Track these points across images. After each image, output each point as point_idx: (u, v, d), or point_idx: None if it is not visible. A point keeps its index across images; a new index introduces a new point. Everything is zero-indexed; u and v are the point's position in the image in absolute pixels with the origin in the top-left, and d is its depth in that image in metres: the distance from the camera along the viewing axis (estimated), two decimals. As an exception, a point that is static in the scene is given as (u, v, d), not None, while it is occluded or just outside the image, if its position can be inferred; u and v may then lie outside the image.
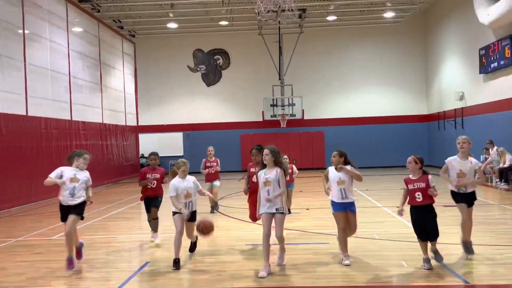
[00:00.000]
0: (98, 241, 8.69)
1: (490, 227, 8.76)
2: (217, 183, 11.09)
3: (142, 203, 8.40)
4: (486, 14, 16.56)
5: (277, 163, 6.24)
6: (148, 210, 8.14)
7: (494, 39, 17.32)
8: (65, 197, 6.64)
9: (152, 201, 8.04)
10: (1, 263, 7.14)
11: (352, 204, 6.35)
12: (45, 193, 14.84)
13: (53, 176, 6.82)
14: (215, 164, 11.10)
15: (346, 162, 6.37)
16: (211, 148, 11.35)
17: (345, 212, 6.32)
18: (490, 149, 16.19)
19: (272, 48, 24.54)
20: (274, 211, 6.07)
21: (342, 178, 6.30)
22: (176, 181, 6.62)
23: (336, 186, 6.35)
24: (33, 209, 13.32)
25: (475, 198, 6.56)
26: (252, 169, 7.43)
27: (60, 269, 6.45)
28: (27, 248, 8.21)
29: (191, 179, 6.71)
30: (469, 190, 6.42)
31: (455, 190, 6.44)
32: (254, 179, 7.19)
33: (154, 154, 8.25)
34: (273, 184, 6.08)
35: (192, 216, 6.78)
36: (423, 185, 5.91)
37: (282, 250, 6.35)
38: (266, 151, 6.28)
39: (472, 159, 6.45)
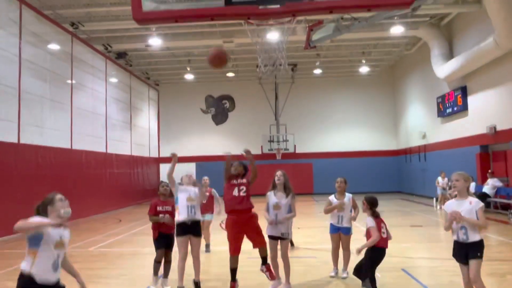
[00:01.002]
0: (125, 252, 8.82)
1: (449, 244, 8.88)
2: (208, 217, 8.34)
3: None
4: (441, 70, 16.98)
5: (286, 187, 5.61)
6: (159, 248, 5.84)
7: (448, 89, 17.72)
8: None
9: (166, 240, 5.85)
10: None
11: (346, 228, 6.07)
12: (83, 212, 15.01)
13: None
14: (207, 194, 8.39)
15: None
16: (205, 177, 8.83)
17: (338, 234, 6.10)
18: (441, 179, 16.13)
19: (270, 94, 25.05)
20: (279, 235, 5.48)
21: (344, 206, 6.03)
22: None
23: (336, 212, 6.08)
24: (72, 226, 13.45)
25: (479, 250, 4.19)
26: (233, 181, 5.52)
27: (97, 276, 6.58)
28: (70, 258, 8.29)
29: (194, 188, 5.83)
30: (470, 239, 4.19)
31: (454, 238, 4.34)
32: (234, 192, 5.42)
33: (165, 182, 6.21)
34: (283, 209, 5.47)
35: (194, 229, 5.56)
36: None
37: (287, 272, 5.54)
38: (279, 173, 5.74)
39: (472, 199, 4.27)
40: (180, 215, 5.61)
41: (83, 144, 15.80)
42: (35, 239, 3.18)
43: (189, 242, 5.57)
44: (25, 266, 3.14)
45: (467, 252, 4.19)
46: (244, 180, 5.54)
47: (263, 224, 5.46)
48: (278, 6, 3.01)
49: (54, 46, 14.27)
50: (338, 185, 6.11)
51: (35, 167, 12.69)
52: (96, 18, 15.73)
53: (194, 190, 5.80)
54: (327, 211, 6.15)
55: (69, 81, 15.11)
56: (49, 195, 3.60)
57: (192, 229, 5.59)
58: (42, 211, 3.49)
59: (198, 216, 5.70)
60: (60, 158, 14.11)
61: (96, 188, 16.64)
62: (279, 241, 5.54)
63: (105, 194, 17.43)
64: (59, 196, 3.56)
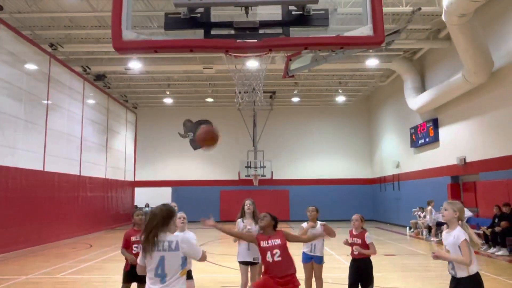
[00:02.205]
0: (94, 280, 8.56)
1: (420, 274, 8.99)
2: None
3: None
4: (414, 102, 17.55)
5: (255, 215, 5.65)
6: (127, 281, 5.46)
7: (420, 121, 18.29)
8: None
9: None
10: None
11: (318, 257, 6.04)
12: (54, 236, 14.59)
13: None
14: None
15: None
16: (173, 203, 7.27)
17: (310, 263, 6.05)
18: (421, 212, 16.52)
19: (248, 121, 25.20)
20: (251, 259, 5.59)
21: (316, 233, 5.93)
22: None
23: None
24: (42, 250, 12.99)
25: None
26: (268, 242, 4.56)
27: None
28: (34, 285, 8.00)
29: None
30: (458, 275, 3.90)
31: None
32: (268, 257, 4.49)
33: (139, 210, 5.94)
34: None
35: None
36: (359, 241, 5.55)
37: None
38: (249, 202, 5.80)
39: (456, 232, 3.95)
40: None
41: (56, 166, 15.43)
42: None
43: None
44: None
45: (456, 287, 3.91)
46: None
47: (234, 251, 5.42)
48: (255, 40, 3.12)
49: (31, 66, 14.12)
50: (310, 214, 6.12)
51: (5, 188, 12.28)
52: (76, 40, 15.73)
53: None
54: (303, 237, 5.96)
55: (45, 102, 14.89)
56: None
57: None
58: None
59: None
60: (32, 180, 13.72)
61: (68, 212, 16.18)
62: (249, 267, 5.65)
63: (76, 218, 16.94)
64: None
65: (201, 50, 3.67)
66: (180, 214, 4.80)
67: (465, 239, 3.83)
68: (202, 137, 4.88)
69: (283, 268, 4.34)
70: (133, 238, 5.51)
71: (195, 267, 6.40)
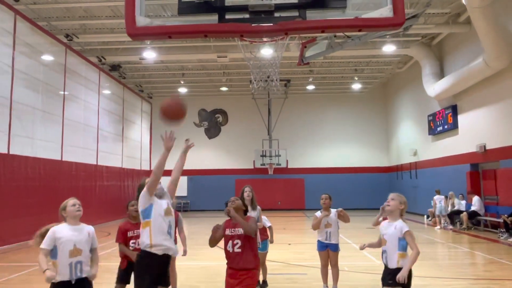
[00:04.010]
0: (112, 267, 8.67)
1: (437, 262, 8.90)
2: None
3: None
4: (432, 89, 17.24)
5: (253, 202, 5.79)
6: (123, 281, 4.89)
7: (439, 108, 17.95)
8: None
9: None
10: (32, 283, 7.15)
11: (334, 245, 6.04)
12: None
13: None
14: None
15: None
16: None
17: (326, 251, 6.06)
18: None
19: (263, 109, 25.15)
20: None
21: (329, 221, 6.02)
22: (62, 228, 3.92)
23: (324, 229, 6.04)
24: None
25: (392, 278, 3.81)
26: (231, 230, 4.14)
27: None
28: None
29: (86, 228, 3.96)
30: (390, 265, 3.95)
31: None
32: (229, 246, 4.10)
33: (134, 201, 4.79)
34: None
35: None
36: None
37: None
38: (248, 188, 5.93)
39: (397, 223, 4.02)
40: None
41: (73, 156, 15.67)
42: (147, 211, 3.67)
43: None
44: (144, 239, 3.58)
45: (385, 276, 3.94)
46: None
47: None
48: (271, 24, 3.05)
49: (47, 57, 14.27)
50: (323, 202, 6.09)
51: (24, 178, 12.54)
52: (90, 30, 15.81)
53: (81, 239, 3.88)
54: (315, 225, 6.12)
55: (62, 93, 15.07)
56: (142, 180, 4.07)
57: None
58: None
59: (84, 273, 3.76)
60: (50, 169, 13.98)
61: (86, 201, 16.33)
62: None
63: (94, 206, 17.22)
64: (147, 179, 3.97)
65: (215, 35, 3.62)
66: (74, 201, 3.98)
67: (409, 230, 3.87)
68: (167, 111, 4.31)
69: (242, 261, 3.95)
70: (130, 233, 4.95)
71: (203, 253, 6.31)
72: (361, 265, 8.44)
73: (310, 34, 13.26)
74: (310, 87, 24.80)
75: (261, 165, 23.98)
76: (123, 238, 4.95)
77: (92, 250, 3.85)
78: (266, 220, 6.38)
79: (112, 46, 17.62)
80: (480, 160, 14.99)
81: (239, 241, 3.99)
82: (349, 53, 17.84)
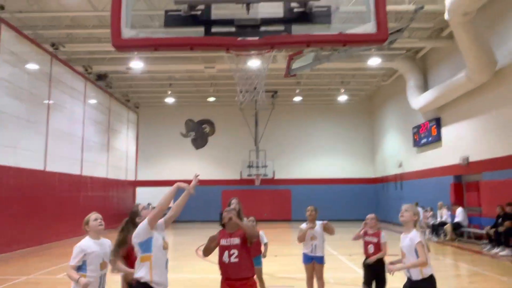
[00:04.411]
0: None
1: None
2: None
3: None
4: (417, 101, 17.47)
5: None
6: None
7: (423, 120, 18.19)
8: None
9: None
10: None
11: (319, 257, 6.01)
12: (56, 236, 14.60)
13: None
14: None
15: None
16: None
17: (311, 263, 6.02)
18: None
19: (250, 120, 25.13)
20: None
21: (315, 234, 6.00)
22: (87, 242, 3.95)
23: (309, 241, 6.01)
24: (43, 250, 12.99)
25: None
26: (227, 241, 4.09)
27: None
28: (35, 285, 7.98)
29: (105, 242, 4.14)
30: (414, 277, 4.02)
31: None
32: (225, 257, 4.06)
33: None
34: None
35: None
36: (375, 240, 5.62)
37: None
38: (235, 200, 5.83)
39: (411, 234, 4.09)
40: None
41: (57, 166, 15.42)
42: (146, 244, 3.48)
43: None
44: (143, 274, 3.38)
45: None
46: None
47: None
48: (257, 38, 3.07)
49: (32, 66, 14.11)
50: (309, 214, 6.08)
51: (6, 188, 12.27)
52: (77, 39, 15.70)
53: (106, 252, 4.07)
54: (300, 238, 6.10)
55: (46, 102, 14.88)
56: (132, 209, 4.00)
57: None
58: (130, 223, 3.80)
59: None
60: (33, 179, 13.72)
61: (69, 211, 16.16)
62: None
63: (78, 217, 16.75)
64: (141, 205, 4.02)
65: (201, 48, 3.63)
66: (96, 215, 4.05)
67: (420, 241, 3.95)
68: None
69: (240, 271, 3.90)
70: None
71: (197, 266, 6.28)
72: (347, 277, 8.44)
73: (296, 48, 13.39)
74: (297, 99, 24.96)
75: (248, 176, 23.90)
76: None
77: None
78: (263, 236, 6.33)
79: (98, 56, 17.52)
80: (463, 172, 15.21)
81: (235, 251, 3.94)
82: (336, 65, 18.05)
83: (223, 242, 3.99)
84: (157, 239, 3.63)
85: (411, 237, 4.01)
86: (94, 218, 4.05)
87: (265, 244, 6.40)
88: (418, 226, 4.17)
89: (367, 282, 5.58)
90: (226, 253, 3.95)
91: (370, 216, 5.81)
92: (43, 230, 14.02)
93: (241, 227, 4.05)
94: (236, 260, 3.92)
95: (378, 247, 5.57)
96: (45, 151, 14.64)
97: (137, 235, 3.59)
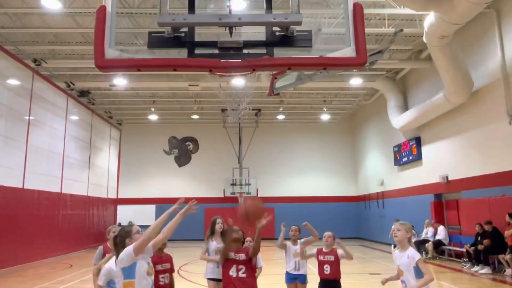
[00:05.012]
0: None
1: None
2: None
3: None
4: (397, 121, 17.82)
5: (224, 234, 5.46)
6: None
7: (404, 139, 18.53)
8: None
9: None
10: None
11: (303, 276, 5.95)
12: (32, 256, 14.19)
13: None
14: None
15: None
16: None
17: (294, 283, 5.97)
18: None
19: (233, 138, 25.22)
20: (220, 277, 5.46)
21: (298, 251, 6.00)
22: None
23: (292, 259, 5.98)
24: (19, 270, 12.58)
25: None
26: (235, 255, 4.27)
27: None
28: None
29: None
30: None
31: None
32: (232, 271, 4.26)
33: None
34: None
35: None
36: (332, 258, 5.35)
37: None
38: (220, 220, 5.81)
39: (409, 252, 4.09)
40: None
41: (36, 184, 15.08)
42: (129, 269, 3.34)
43: None
44: None
45: None
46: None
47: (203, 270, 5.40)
48: (239, 60, 3.12)
49: (13, 82, 13.92)
50: (293, 234, 6.16)
51: (-19, 207, 11.93)
52: (60, 55, 15.61)
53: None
54: (280, 243, 6.09)
55: (27, 118, 14.64)
56: (125, 227, 3.71)
57: None
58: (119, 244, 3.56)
59: None
60: (10, 197, 13.36)
61: (48, 230, 15.77)
62: (216, 283, 5.68)
63: (56, 236, 16.51)
64: (136, 227, 3.70)
65: (184, 69, 3.66)
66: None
67: (420, 258, 4.00)
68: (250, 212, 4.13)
69: (246, 285, 3.93)
70: (158, 267, 4.50)
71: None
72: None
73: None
74: (280, 117, 25.18)
75: (231, 193, 23.80)
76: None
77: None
78: (259, 260, 6.21)
79: (81, 72, 17.41)
80: (443, 190, 15.47)
81: (243, 267, 3.96)
82: (318, 85, 18.33)
83: (232, 255, 4.03)
84: (141, 265, 3.50)
85: (410, 255, 4.01)
86: (136, 230, 3.91)
87: (260, 268, 6.26)
88: (412, 243, 4.19)
89: None
90: (234, 267, 3.97)
91: (328, 234, 5.50)
92: (19, 250, 13.60)
93: (256, 238, 4.08)
94: (244, 275, 3.96)
95: (335, 266, 5.23)
96: (24, 168, 14.33)
97: (121, 261, 3.45)
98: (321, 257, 5.30)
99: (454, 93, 13.13)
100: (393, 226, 4.27)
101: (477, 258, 11.64)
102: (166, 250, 4.79)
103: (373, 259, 15.09)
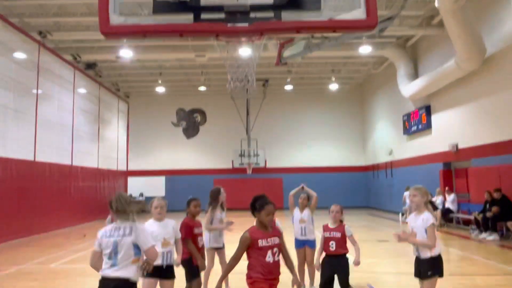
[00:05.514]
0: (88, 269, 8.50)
1: (411, 259, 9.06)
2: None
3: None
4: (407, 89, 17.59)
5: (223, 204, 6.23)
6: (194, 277, 4.85)
7: (413, 108, 18.33)
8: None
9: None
10: None
11: (312, 241, 6.11)
12: (46, 227, 14.55)
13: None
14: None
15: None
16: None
17: (303, 248, 6.10)
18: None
19: (241, 109, 25.15)
20: (221, 245, 5.97)
21: (303, 218, 6.18)
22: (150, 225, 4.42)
23: (298, 224, 6.15)
24: (34, 241, 12.95)
25: (430, 269, 4.09)
26: (267, 241, 3.63)
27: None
28: (28, 275, 7.98)
29: (170, 223, 4.54)
30: (422, 255, 4.15)
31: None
32: (269, 257, 3.66)
33: (196, 199, 5.24)
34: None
35: (168, 272, 4.40)
36: (338, 235, 5.03)
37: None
38: (222, 190, 6.17)
39: (425, 215, 4.14)
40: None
41: (47, 156, 15.27)
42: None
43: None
44: (131, 275, 3.34)
45: (420, 269, 4.16)
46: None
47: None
48: (246, 24, 3.05)
49: (19, 55, 13.87)
50: (301, 201, 6.39)
51: (-5, 179, 12.17)
52: (65, 27, 15.46)
53: (168, 231, 4.47)
54: (292, 195, 6.58)
55: (35, 91, 14.67)
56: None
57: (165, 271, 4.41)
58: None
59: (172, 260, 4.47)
60: (23, 170, 13.59)
61: (60, 202, 16.09)
62: (216, 251, 5.93)
63: (69, 208, 16.86)
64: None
65: (191, 34, 3.61)
66: (157, 203, 4.43)
67: (433, 223, 4.08)
68: None
69: (279, 268, 3.70)
70: (196, 230, 4.94)
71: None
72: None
73: (286, 35, 13.34)
74: (288, 87, 24.94)
75: (240, 164, 23.96)
76: (191, 235, 4.89)
77: (176, 241, 4.50)
78: (279, 225, 6.17)
79: (87, 44, 17.29)
80: (452, 159, 15.39)
81: (277, 250, 3.65)
82: (327, 53, 18.03)
83: (263, 243, 3.54)
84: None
85: (424, 218, 4.09)
86: (154, 206, 4.47)
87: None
88: (429, 207, 4.23)
89: (327, 282, 4.96)
90: (269, 252, 3.59)
91: (335, 208, 5.13)
92: (34, 221, 13.94)
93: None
94: (278, 258, 3.67)
95: (340, 243, 4.98)
96: (35, 141, 14.49)
97: (139, 239, 3.41)
98: (326, 234, 5.07)
99: (466, 59, 12.84)
100: (405, 193, 4.31)
101: (485, 225, 11.69)
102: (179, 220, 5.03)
103: (381, 227, 15.25)
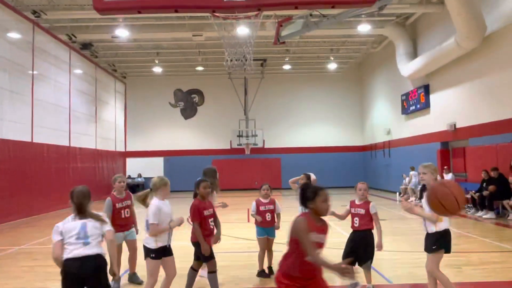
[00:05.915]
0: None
1: (408, 237, 9.16)
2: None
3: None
4: (406, 68, 17.44)
5: (215, 185, 6.17)
6: (207, 259, 4.82)
7: (412, 87, 18.23)
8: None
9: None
10: (4, 267, 7.02)
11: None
12: (46, 207, 14.60)
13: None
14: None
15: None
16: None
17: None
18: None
19: (239, 89, 25.00)
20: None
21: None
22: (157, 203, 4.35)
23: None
24: (34, 221, 13.01)
25: (433, 243, 4.26)
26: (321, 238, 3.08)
27: (56, 273, 6.39)
28: (28, 255, 8.03)
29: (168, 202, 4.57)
30: (428, 230, 4.34)
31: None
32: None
33: (205, 181, 5.07)
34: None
35: (170, 250, 4.53)
36: (363, 211, 5.10)
37: None
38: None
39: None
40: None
41: (44, 137, 15.22)
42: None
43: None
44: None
45: (425, 243, 4.34)
46: None
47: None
48: (243, 0, 2.98)
49: (14, 35, 13.65)
50: (301, 181, 6.47)
51: (-7, 160, 12.14)
52: (59, 6, 15.15)
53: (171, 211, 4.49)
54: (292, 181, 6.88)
55: (30, 72, 14.50)
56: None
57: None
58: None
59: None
60: (20, 151, 13.56)
61: (59, 183, 16.10)
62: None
63: (68, 188, 16.72)
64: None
65: (186, 10, 3.52)
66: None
67: None
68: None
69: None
70: (206, 212, 4.86)
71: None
72: (333, 241, 8.59)
73: (286, 12, 13.12)
74: (286, 67, 24.72)
75: (238, 145, 23.97)
76: (200, 217, 4.80)
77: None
78: (278, 205, 6.25)
79: (82, 24, 16.99)
80: (450, 138, 15.40)
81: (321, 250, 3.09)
82: (325, 32, 17.79)
83: (317, 238, 2.95)
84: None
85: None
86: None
87: (278, 215, 6.18)
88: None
89: (349, 254, 4.99)
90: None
91: (362, 186, 5.17)
92: (33, 202, 13.99)
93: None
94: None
95: (365, 219, 5.04)
96: (32, 122, 14.40)
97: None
98: (352, 210, 5.17)
99: (466, 38, 12.68)
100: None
101: (481, 204, 11.78)
102: (179, 200, 5.00)
103: (379, 206, 15.30)
